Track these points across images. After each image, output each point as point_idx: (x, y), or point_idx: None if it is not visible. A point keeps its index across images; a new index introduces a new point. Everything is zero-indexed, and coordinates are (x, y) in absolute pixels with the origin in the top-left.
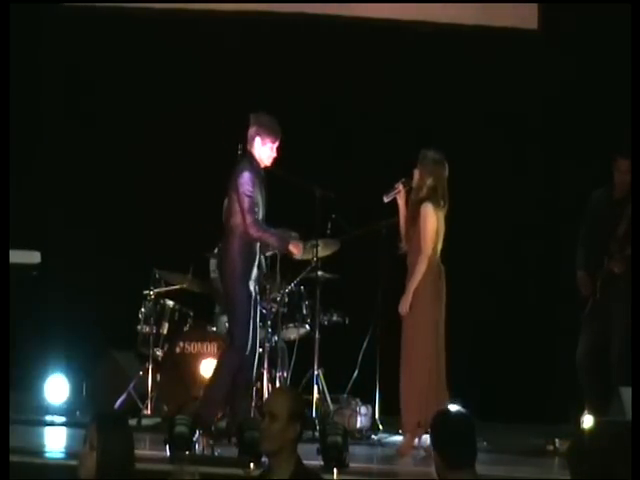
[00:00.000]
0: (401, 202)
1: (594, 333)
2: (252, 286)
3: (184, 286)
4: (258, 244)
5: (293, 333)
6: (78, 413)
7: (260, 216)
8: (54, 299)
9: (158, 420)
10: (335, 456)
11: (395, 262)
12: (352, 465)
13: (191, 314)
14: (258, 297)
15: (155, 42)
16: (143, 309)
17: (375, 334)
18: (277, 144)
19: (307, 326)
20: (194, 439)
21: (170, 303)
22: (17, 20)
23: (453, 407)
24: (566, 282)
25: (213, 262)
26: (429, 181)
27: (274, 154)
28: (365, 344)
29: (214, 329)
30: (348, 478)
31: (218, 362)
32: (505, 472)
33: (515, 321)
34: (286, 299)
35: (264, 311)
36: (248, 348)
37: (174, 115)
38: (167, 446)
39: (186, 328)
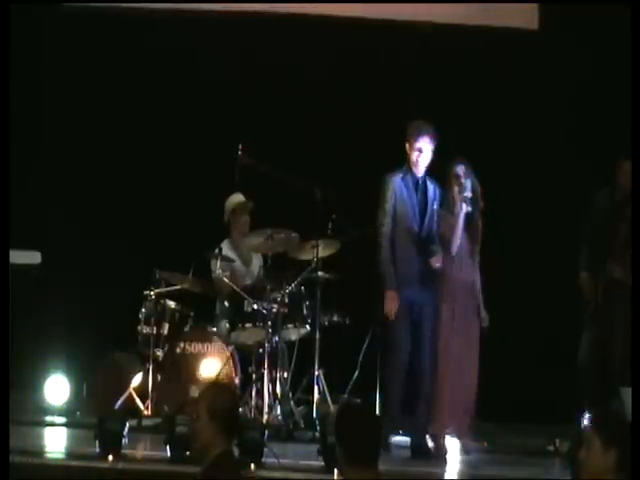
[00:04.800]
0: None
1: (595, 334)
2: (404, 302)
3: (185, 286)
4: (410, 249)
5: (293, 333)
6: (78, 413)
7: (406, 224)
8: (54, 299)
9: (158, 420)
10: (335, 456)
11: None
12: None
13: (192, 315)
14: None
15: (155, 42)
16: (144, 309)
17: (375, 334)
18: (420, 144)
19: (307, 326)
20: None
21: (171, 303)
22: (17, 20)
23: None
24: (567, 282)
25: (214, 262)
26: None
27: (419, 154)
28: (366, 344)
29: (214, 329)
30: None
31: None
32: (505, 472)
33: (515, 321)
34: (286, 299)
35: (264, 311)
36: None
37: (174, 115)
38: (167, 446)
39: (186, 328)
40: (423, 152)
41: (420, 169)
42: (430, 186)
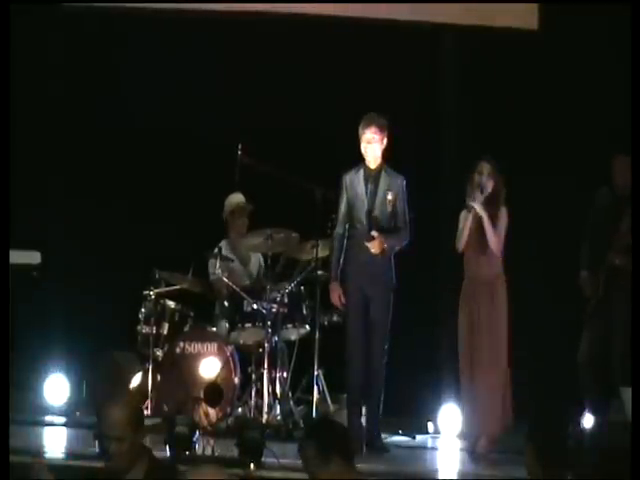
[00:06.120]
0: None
1: (596, 333)
2: (355, 293)
3: (184, 286)
4: (360, 240)
5: (293, 333)
6: (78, 413)
7: (357, 218)
8: (54, 299)
9: (158, 420)
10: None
11: (395, 261)
12: None
13: (191, 314)
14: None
15: (154, 41)
16: (143, 309)
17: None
18: (367, 135)
19: (307, 326)
20: (194, 439)
21: (170, 303)
22: (17, 20)
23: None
24: (567, 280)
25: (212, 263)
26: (503, 187)
27: (367, 145)
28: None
29: (214, 329)
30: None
31: None
32: (505, 472)
33: (514, 321)
34: (286, 299)
35: (264, 311)
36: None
37: (174, 114)
38: (167, 446)
39: (186, 328)
40: (371, 143)
41: (371, 160)
42: (385, 176)
